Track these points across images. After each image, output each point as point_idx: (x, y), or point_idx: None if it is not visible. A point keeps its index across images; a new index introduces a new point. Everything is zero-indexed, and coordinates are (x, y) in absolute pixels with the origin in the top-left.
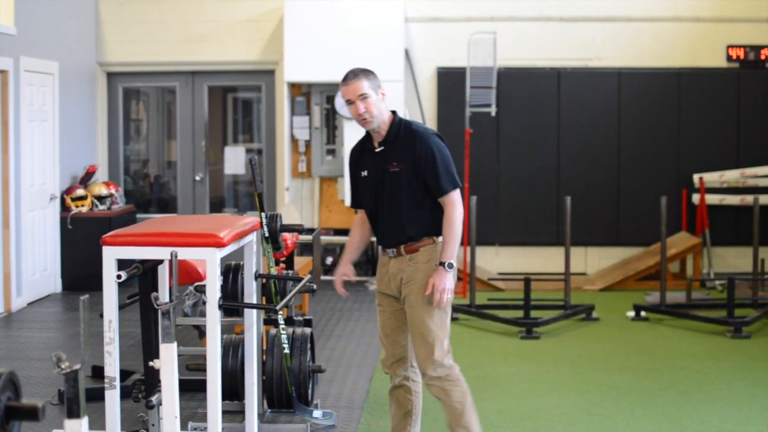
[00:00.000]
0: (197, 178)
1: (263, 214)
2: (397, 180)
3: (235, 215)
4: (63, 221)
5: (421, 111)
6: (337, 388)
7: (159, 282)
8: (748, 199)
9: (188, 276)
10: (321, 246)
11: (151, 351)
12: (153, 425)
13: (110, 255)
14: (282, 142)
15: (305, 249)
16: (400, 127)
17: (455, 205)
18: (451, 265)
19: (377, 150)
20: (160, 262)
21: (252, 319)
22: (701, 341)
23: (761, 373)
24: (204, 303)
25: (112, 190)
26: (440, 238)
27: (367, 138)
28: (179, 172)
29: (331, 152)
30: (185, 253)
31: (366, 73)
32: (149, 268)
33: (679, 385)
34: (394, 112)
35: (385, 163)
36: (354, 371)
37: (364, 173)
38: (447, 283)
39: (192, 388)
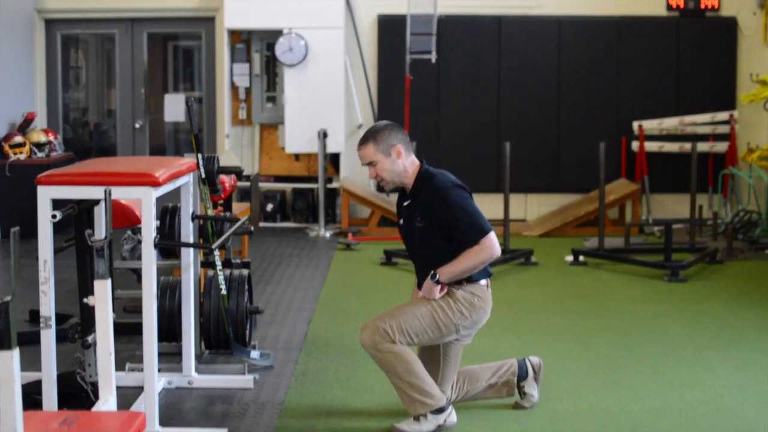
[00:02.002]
0: (137, 125)
1: (200, 156)
2: (423, 234)
3: (172, 157)
4: (1, 169)
5: (361, 58)
6: (275, 330)
7: (95, 224)
8: (687, 146)
9: (126, 219)
10: (260, 191)
11: (86, 291)
12: (89, 365)
13: (45, 195)
14: (222, 89)
15: (245, 196)
16: (424, 182)
17: (483, 248)
18: (434, 277)
19: (406, 203)
20: (96, 203)
21: (189, 259)
22: (639, 285)
23: (696, 316)
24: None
25: (51, 138)
26: (481, 281)
27: (402, 191)
28: (119, 120)
29: (272, 99)
30: (120, 193)
31: (374, 136)
32: (85, 209)
33: (615, 326)
34: (422, 163)
35: (412, 217)
36: (293, 314)
37: (401, 221)
38: (428, 293)
39: (130, 331)
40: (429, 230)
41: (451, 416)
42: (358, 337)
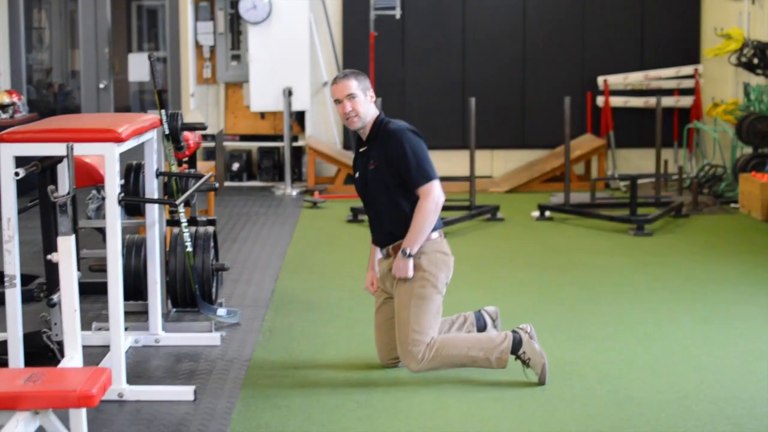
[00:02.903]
0: (101, 86)
1: (163, 112)
2: (375, 177)
3: (136, 113)
4: None
5: (326, 15)
6: (242, 288)
7: (59, 182)
8: (652, 101)
9: (90, 178)
10: (225, 150)
11: (51, 249)
12: (55, 324)
13: (8, 152)
14: (186, 48)
15: (210, 155)
16: (380, 127)
17: (427, 197)
18: (405, 252)
19: (361, 150)
20: (60, 160)
21: (154, 216)
22: (604, 239)
23: (661, 268)
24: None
25: (15, 99)
26: (433, 235)
27: (359, 140)
28: (83, 81)
29: (236, 58)
30: (83, 149)
31: (356, 74)
32: (48, 166)
33: (581, 279)
34: (379, 114)
35: (366, 162)
36: (259, 272)
37: (356, 175)
38: (402, 271)
39: (97, 290)
40: (380, 173)
41: (531, 340)
42: (408, 370)
